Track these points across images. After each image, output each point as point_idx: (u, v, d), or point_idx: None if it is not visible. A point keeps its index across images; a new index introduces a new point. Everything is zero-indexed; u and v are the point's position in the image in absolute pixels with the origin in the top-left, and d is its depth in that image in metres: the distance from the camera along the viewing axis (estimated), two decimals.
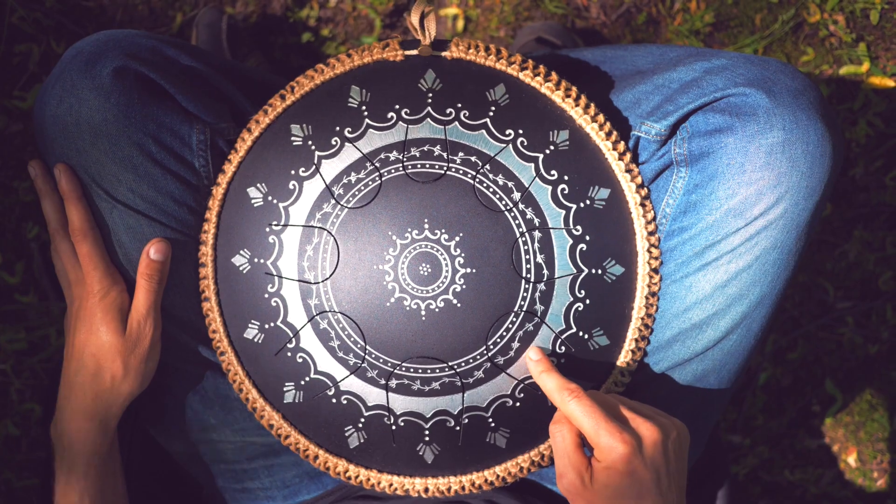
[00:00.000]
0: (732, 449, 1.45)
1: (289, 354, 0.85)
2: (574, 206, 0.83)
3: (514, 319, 0.83)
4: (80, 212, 0.82)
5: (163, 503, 0.98)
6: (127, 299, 0.84)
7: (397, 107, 0.83)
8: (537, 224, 0.83)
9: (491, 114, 0.83)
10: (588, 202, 0.83)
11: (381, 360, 0.84)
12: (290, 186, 0.84)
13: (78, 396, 0.84)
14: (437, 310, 0.83)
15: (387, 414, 0.85)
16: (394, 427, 0.85)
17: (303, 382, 0.85)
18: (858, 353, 1.42)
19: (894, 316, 1.40)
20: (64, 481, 0.85)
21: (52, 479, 1.03)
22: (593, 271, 0.84)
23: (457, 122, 0.83)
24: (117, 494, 0.87)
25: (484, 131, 0.83)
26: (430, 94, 0.83)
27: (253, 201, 0.85)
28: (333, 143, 0.84)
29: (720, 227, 0.81)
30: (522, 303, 0.83)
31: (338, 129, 0.84)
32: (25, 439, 1.37)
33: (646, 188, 0.85)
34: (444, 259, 0.83)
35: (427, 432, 0.85)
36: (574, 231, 0.83)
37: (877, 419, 1.44)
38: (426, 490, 0.87)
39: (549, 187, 0.83)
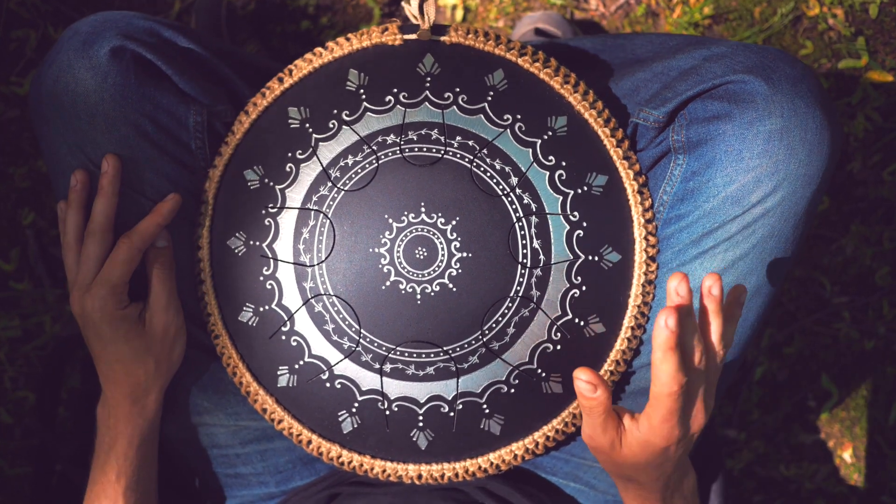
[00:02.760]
0: (727, 443, 1.45)
1: (283, 338, 0.85)
2: (571, 192, 0.83)
3: (510, 305, 0.83)
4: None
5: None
6: (132, 304, 0.83)
7: (395, 90, 0.83)
8: (534, 209, 0.83)
9: (489, 98, 0.83)
10: (585, 188, 0.83)
11: (376, 344, 0.83)
12: (287, 169, 0.84)
13: (118, 387, 0.84)
14: (432, 294, 0.83)
15: (381, 399, 0.84)
16: (387, 412, 0.85)
17: (297, 366, 0.85)
18: (855, 349, 1.42)
19: (891, 311, 1.40)
20: (103, 460, 0.85)
21: (51, 465, 1.03)
22: (590, 258, 0.83)
23: (455, 107, 0.83)
24: (150, 479, 0.88)
25: (482, 116, 0.83)
26: (429, 79, 0.83)
27: (249, 184, 0.84)
28: (331, 126, 0.83)
29: (717, 215, 0.81)
30: (518, 288, 0.83)
31: (335, 112, 0.83)
32: (19, 427, 1.36)
33: (643, 175, 0.85)
34: (441, 243, 0.82)
35: (421, 418, 0.85)
36: (571, 217, 0.83)
37: (872, 414, 1.44)
38: (419, 476, 0.87)
39: (547, 173, 0.83)
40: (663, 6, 1.34)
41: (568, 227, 0.83)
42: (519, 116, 0.83)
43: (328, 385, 0.85)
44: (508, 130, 0.83)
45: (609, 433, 0.75)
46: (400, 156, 0.83)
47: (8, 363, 1.35)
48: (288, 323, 0.84)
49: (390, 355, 0.84)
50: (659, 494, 0.79)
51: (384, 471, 0.87)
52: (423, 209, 0.82)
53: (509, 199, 0.83)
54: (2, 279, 1.34)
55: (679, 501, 0.81)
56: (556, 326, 0.84)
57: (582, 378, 0.73)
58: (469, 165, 0.83)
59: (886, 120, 1.33)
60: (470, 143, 0.83)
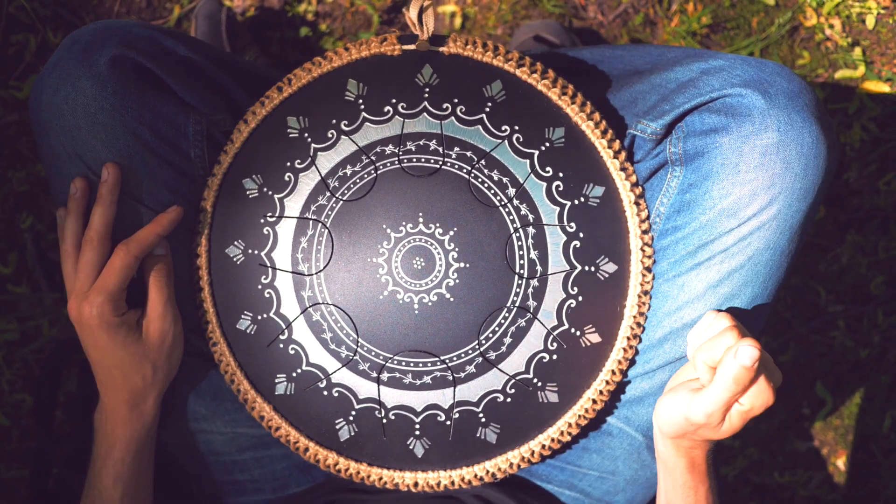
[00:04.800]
0: (722, 450, 1.46)
1: (281, 346, 0.85)
2: (568, 203, 0.83)
3: (507, 315, 0.83)
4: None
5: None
6: (129, 311, 0.83)
7: (394, 101, 0.83)
8: (531, 220, 0.83)
9: (487, 110, 0.83)
10: (582, 199, 0.84)
11: (374, 353, 0.84)
12: (286, 178, 0.84)
13: (115, 393, 0.84)
14: (430, 304, 0.83)
15: (378, 407, 0.85)
16: (384, 420, 0.85)
17: (294, 374, 0.85)
18: (849, 357, 1.43)
19: (886, 320, 1.41)
20: (100, 465, 0.85)
21: (48, 468, 1.03)
22: (586, 268, 0.84)
23: (453, 118, 0.83)
24: (147, 486, 0.88)
25: (480, 127, 0.83)
26: (427, 89, 0.84)
27: (248, 192, 0.85)
28: (329, 135, 0.84)
29: (713, 227, 0.81)
30: (515, 298, 0.83)
31: (334, 121, 0.84)
32: (16, 430, 1.36)
33: (640, 187, 0.85)
34: (438, 253, 0.83)
35: (418, 426, 0.85)
36: (568, 228, 0.83)
37: (867, 423, 1.45)
38: (416, 484, 0.87)
39: (544, 184, 0.83)
40: (661, 15, 1.34)
41: (565, 238, 0.83)
42: (517, 127, 0.83)
43: (326, 393, 0.85)
44: (506, 141, 0.83)
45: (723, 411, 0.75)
46: (398, 166, 0.83)
47: (5, 366, 1.35)
48: (286, 331, 0.85)
49: (388, 364, 0.84)
50: (704, 452, 0.82)
51: (381, 478, 0.87)
52: (421, 219, 0.83)
53: (507, 209, 0.83)
54: (0, 282, 1.34)
55: (711, 454, 0.83)
56: (552, 336, 0.84)
57: (751, 345, 0.70)
58: (467, 176, 0.83)
59: (882, 130, 1.34)
60: (468, 153, 0.83)
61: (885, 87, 1.31)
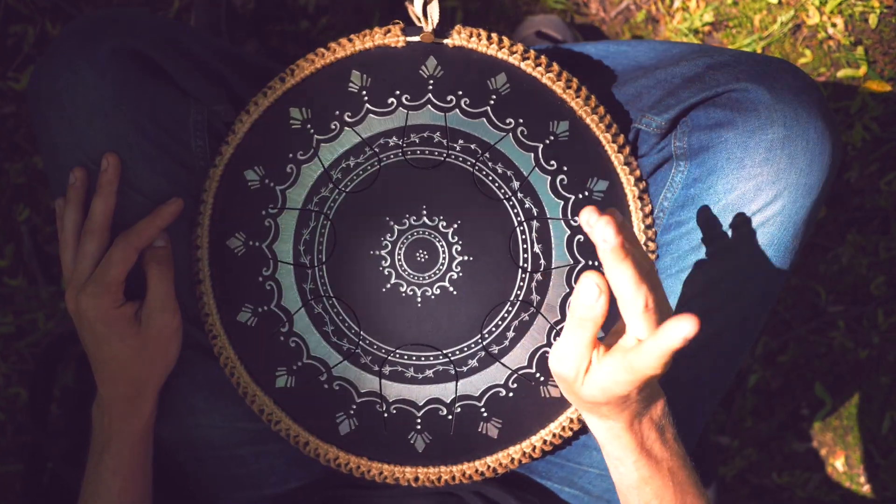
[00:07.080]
0: (720, 450, 1.45)
1: (282, 339, 0.84)
2: (572, 197, 0.83)
3: (510, 309, 0.83)
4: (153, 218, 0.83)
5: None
6: (127, 303, 0.83)
7: (398, 93, 0.83)
8: (535, 214, 0.83)
9: (492, 102, 0.83)
10: (586, 193, 0.83)
11: (375, 347, 0.83)
12: (288, 170, 0.83)
13: (113, 386, 0.83)
14: (432, 297, 0.82)
15: (379, 401, 0.84)
16: (386, 414, 0.84)
17: (295, 367, 0.84)
18: (849, 358, 1.43)
19: (885, 321, 1.40)
20: (97, 459, 0.84)
21: (43, 463, 1.03)
22: (590, 263, 0.83)
23: (457, 110, 0.83)
24: (145, 479, 0.87)
25: (484, 119, 0.83)
26: (431, 81, 0.83)
27: (250, 184, 0.84)
28: (333, 127, 0.83)
29: (717, 223, 0.81)
30: (518, 292, 0.82)
31: (337, 113, 0.83)
32: (11, 424, 1.36)
33: (644, 181, 0.85)
34: (442, 246, 0.82)
35: (419, 420, 0.84)
36: (572, 222, 0.83)
37: (865, 424, 1.45)
38: (416, 479, 0.86)
39: (548, 177, 0.83)
40: (663, 12, 1.34)
41: (569, 232, 0.83)
42: (521, 121, 0.83)
43: (326, 387, 0.84)
44: (510, 134, 0.83)
45: (578, 362, 0.69)
46: (402, 158, 0.83)
47: (1, 360, 1.34)
48: (287, 324, 0.84)
49: (389, 358, 0.83)
50: (626, 423, 0.73)
51: (381, 473, 0.86)
52: (424, 212, 0.82)
53: (511, 203, 0.83)
54: None
55: (648, 427, 0.74)
56: (555, 331, 0.83)
57: (591, 278, 0.63)
58: (471, 169, 0.82)
59: (884, 130, 1.34)
60: (472, 146, 0.83)
61: (887, 87, 1.31)
